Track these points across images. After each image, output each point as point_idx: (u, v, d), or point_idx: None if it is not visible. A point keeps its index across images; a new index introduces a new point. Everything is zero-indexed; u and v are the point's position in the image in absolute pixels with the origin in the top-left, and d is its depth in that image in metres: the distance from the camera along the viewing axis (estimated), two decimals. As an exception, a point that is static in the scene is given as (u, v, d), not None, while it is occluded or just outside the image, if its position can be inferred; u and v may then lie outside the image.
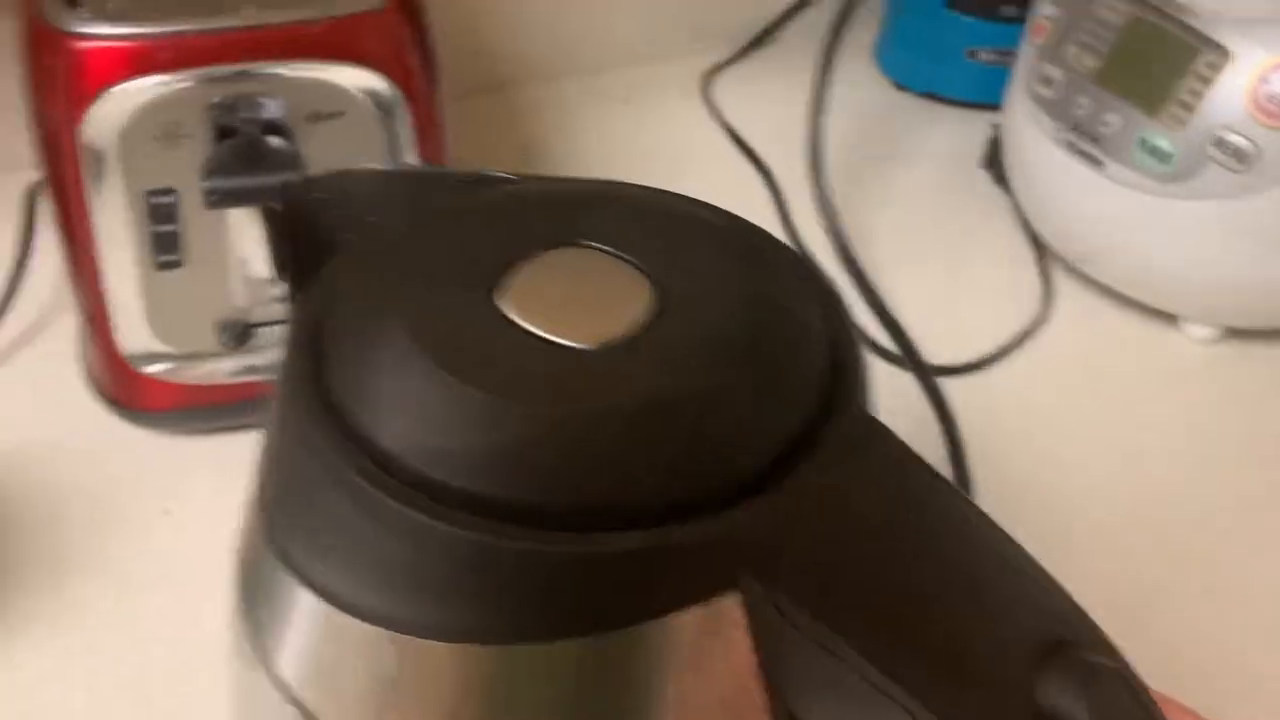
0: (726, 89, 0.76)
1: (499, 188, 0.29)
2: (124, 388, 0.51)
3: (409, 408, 0.23)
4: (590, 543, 0.22)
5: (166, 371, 0.50)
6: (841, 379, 0.25)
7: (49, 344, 0.57)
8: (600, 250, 0.26)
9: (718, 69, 0.77)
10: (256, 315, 0.50)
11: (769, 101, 0.74)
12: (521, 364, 0.23)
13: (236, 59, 0.44)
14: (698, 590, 0.23)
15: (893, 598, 0.23)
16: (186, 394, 0.51)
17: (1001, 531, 0.25)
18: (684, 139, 0.73)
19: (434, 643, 0.23)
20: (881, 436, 0.24)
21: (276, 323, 0.50)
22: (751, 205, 0.64)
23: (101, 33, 0.44)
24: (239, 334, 0.50)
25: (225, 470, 0.51)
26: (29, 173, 0.61)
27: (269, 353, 0.51)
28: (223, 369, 0.51)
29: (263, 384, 0.50)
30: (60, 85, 0.44)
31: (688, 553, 0.22)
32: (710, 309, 0.25)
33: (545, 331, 0.24)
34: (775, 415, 0.24)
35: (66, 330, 0.57)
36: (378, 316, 0.24)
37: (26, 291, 0.58)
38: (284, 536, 0.25)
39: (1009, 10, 0.69)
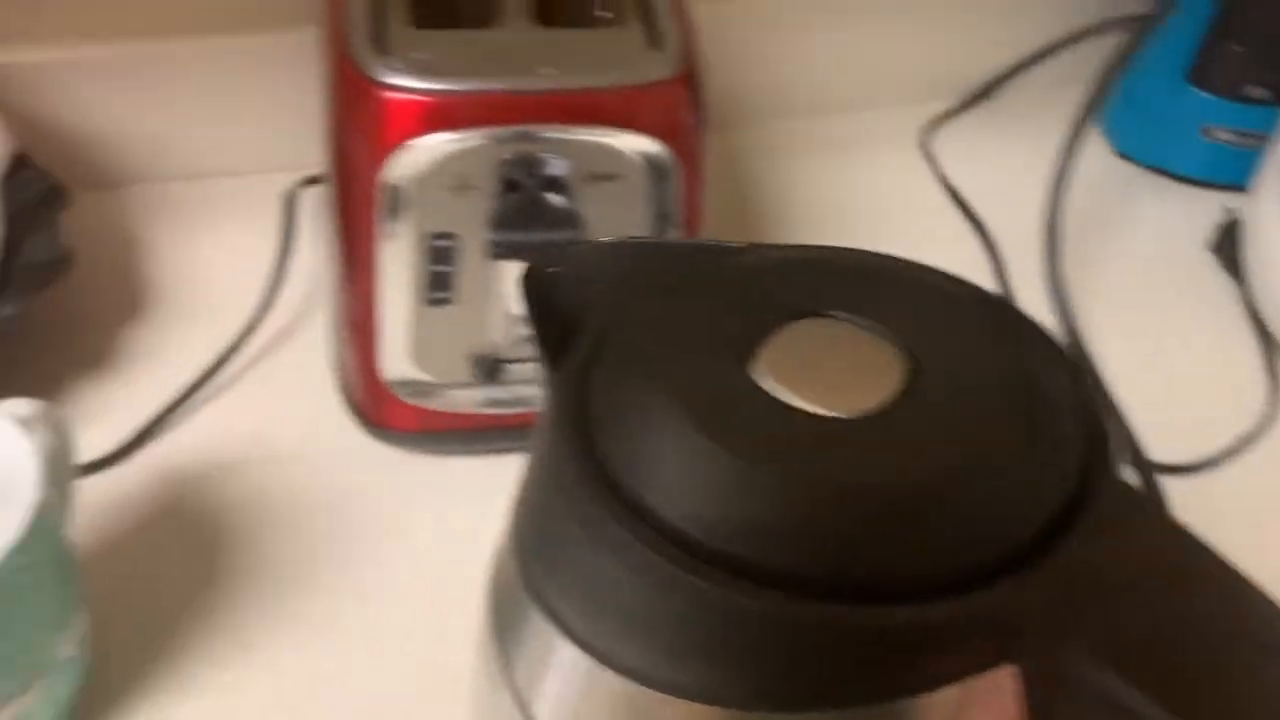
0: (944, 143, 0.76)
1: (729, 259, 0.30)
2: (375, 407, 0.54)
3: (674, 470, 0.24)
4: (856, 615, 0.22)
5: (418, 397, 0.53)
6: (1095, 451, 0.25)
7: (298, 350, 0.60)
8: (849, 320, 0.26)
9: (937, 122, 0.77)
10: (508, 352, 0.52)
11: (987, 158, 0.74)
12: (781, 433, 0.24)
13: (531, 120, 0.46)
14: (963, 665, 0.23)
15: (1186, 661, 0.24)
16: (432, 418, 0.54)
17: (1264, 594, 0.25)
18: (899, 191, 0.73)
19: (680, 701, 0.24)
20: (1142, 506, 0.25)
21: (525, 360, 0.53)
22: (966, 264, 0.64)
23: (410, 86, 0.46)
24: (490, 368, 0.52)
25: (457, 492, 0.55)
26: (285, 175, 0.66)
27: (514, 387, 0.53)
28: (470, 398, 0.53)
29: (505, 415, 0.53)
30: (367, 130, 0.47)
31: (958, 628, 0.23)
32: (966, 380, 0.25)
33: (801, 401, 0.24)
34: (1040, 488, 0.24)
35: (315, 338, 0.60)
36: (643, 382, 0.25)
37: (281, 295, 0.61)
38: (540, 582, 0.27)
39: (1256, 91, 0.68)
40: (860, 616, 0.22)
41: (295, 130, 0.67)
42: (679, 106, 0.48)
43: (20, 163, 0.57)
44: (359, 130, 0.48)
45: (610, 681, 0.25)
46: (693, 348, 0.26)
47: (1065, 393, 0.26)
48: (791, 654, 0.23)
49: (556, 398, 0.26)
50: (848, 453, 0.24)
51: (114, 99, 0.66)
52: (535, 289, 0.28)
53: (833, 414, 0.24)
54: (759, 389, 0.25)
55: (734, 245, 0.31)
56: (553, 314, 0.28)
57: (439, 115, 0.46)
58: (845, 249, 0.30)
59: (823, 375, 0.25)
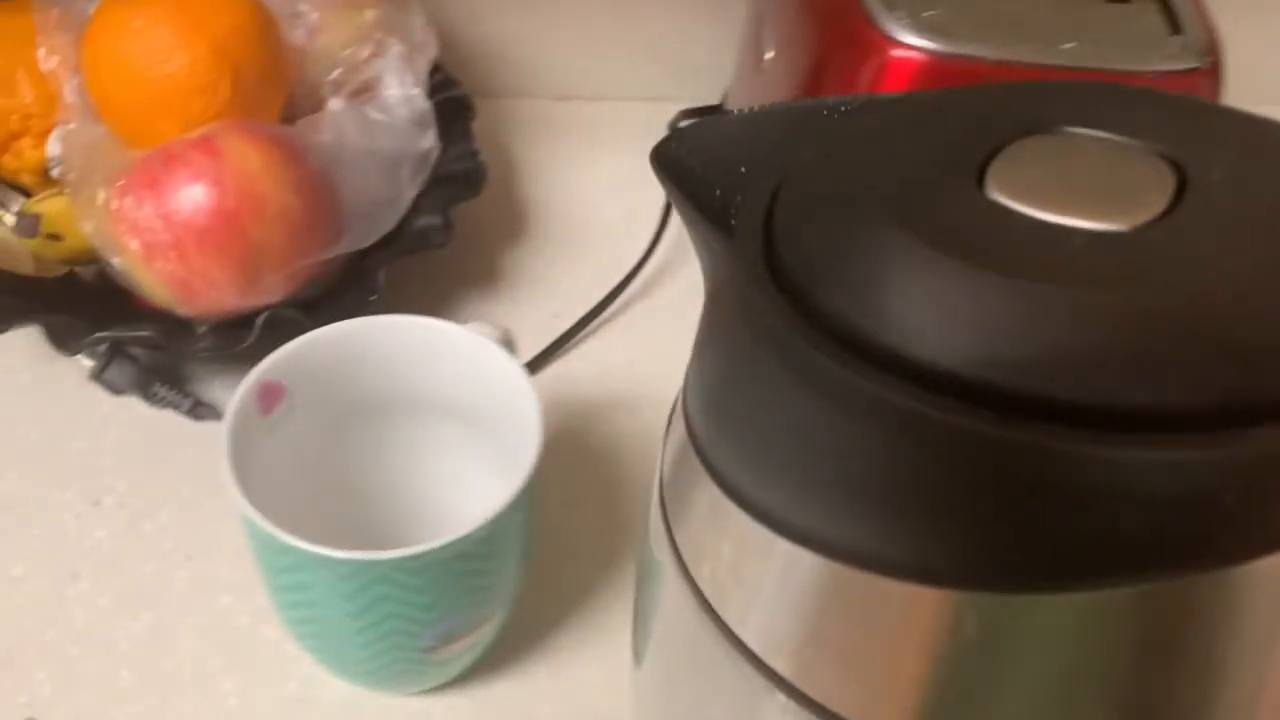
0: None
1: (892, 108, 0.25)
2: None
3: (926, 303, 0.20)
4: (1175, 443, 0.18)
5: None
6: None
7: (685, 290, 0.59)
8: (1090, 134, 0.22)
9: None
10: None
11: None
12: (1050, 250, 0.19)
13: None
14: None
15: None
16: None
17: None
18: None
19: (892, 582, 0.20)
20: None
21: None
22: None
23: (912, 43, 0.43)
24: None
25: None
26: (670, 105, 0.64)
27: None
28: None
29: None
30: (855, 81, 0.44)
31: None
32: (1245, 189, 0.20)
33: (1057, 216, 0.20)
34: None
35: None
36: (859, 216, 0.21)
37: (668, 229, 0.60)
38: (713, 447, 0.23)
39: None
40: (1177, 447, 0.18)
41: (687, 62, 0.66)
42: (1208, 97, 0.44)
43: (434, 69, 0.56)
44: (845, 80, 0.45)
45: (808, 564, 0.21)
46: (901, 178, 0.22)
47: None
48: (1053, 506, 0.18)
49: (739, 256, 0.22)
50: (1133, 267, 0.19)
51: (511, 9, 0.65)
52: (670, 170, 0.25)
53: (1101, 226, 0.20)
54: (1004, 208, 0.20)
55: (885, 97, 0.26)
56: (698, 186, 0.25)
57: (928, 75, 0.43)
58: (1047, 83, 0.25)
59: (1073, 189, 0.21)
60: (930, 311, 0.19)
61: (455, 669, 0.41)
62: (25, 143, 0.51)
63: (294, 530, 0.34)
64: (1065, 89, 0.24)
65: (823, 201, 0.22)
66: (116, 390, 0.51)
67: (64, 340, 0.47)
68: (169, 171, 0.44)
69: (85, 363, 0.50)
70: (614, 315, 0.57)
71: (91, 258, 0.47)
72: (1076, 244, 0.20)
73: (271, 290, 0.46)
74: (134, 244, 0.44)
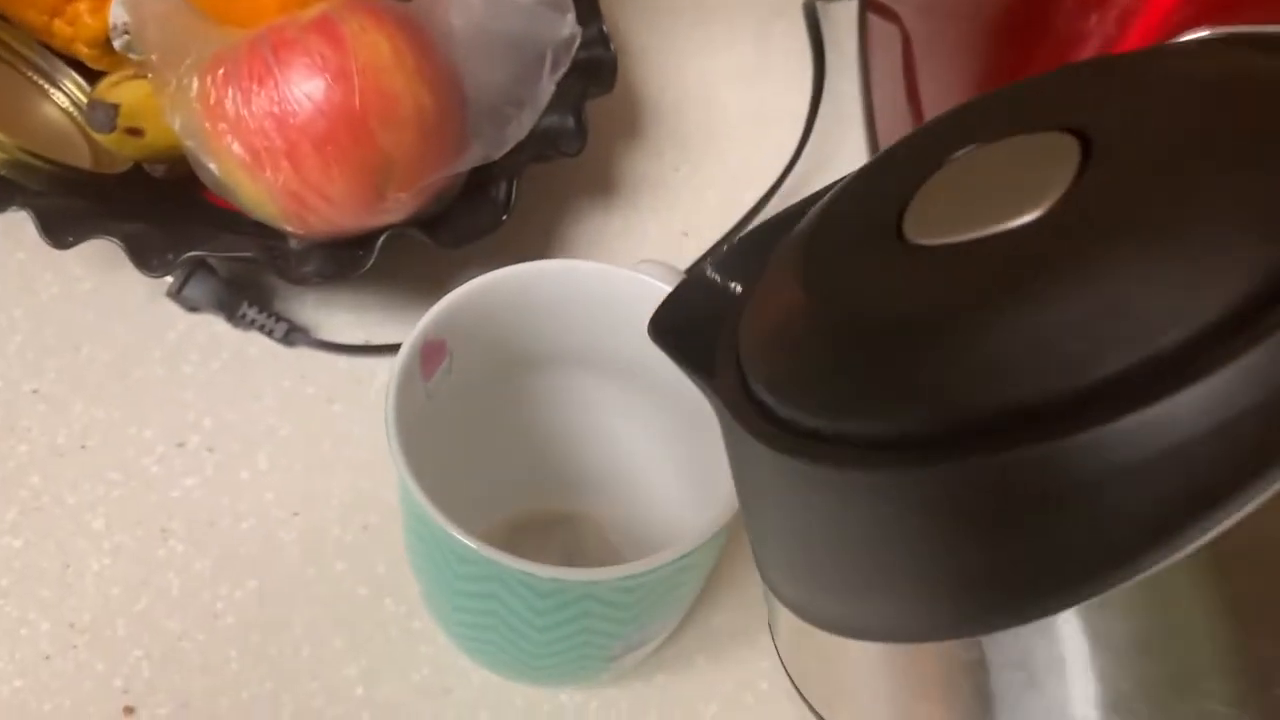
0: None
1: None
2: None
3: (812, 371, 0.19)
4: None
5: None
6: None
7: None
8: (1005, 141, 0.20)
9: None
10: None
11: None
12: (957, 273, 0.18)
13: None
14: None
15: None
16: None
17: None
18: None
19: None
20: None
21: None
22: None
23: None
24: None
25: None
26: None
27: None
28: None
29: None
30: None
31: None
32: (1142, 127, 0.18)
33: (958, 234, 0.18)
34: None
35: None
36: (785, 305, 0.21)
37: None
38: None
39: None
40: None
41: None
42: None
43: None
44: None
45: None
46: (823, 265, 0.21)
47: None
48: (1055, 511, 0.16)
49: (721, 401, 0.22)
50: (1043, 253, 0.17)
51: None
52: (668, 339, 0.25)
53: (1014, 224, 0.18)
54: (923, 248, 0.19)
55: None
56: (696, 346, 0.24)
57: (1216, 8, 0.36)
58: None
59: (985, 200, 0.19)
60: (875, 383, 0.18)
61: (629, 668, 0.36)
62: (82, 6, 0.42)
63: (452, 502, 0.28)
64: (969, 108, 0.23)
65: (765, 314, 0.22)
66: (196, 309, 0.44)
67: (146, 258, 0.39)
68: (282, 60, 0.36)
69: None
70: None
71: (175, 159, 0.39)
72: (991, 252, 0.18)
73: (397, 208, 0.39)
74: (237, 148, 0.37)
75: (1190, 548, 0.15)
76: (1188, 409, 0.15)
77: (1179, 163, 0.17)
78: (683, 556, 0.28)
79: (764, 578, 0.22)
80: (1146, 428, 0.15)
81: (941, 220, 0.19)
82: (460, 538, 0.28)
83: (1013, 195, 0.18)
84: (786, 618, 0.22)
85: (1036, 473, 0.16)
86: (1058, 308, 0.16)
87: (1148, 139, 0.18)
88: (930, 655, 0.20)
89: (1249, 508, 0.15)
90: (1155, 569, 0.15)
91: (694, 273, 0.26)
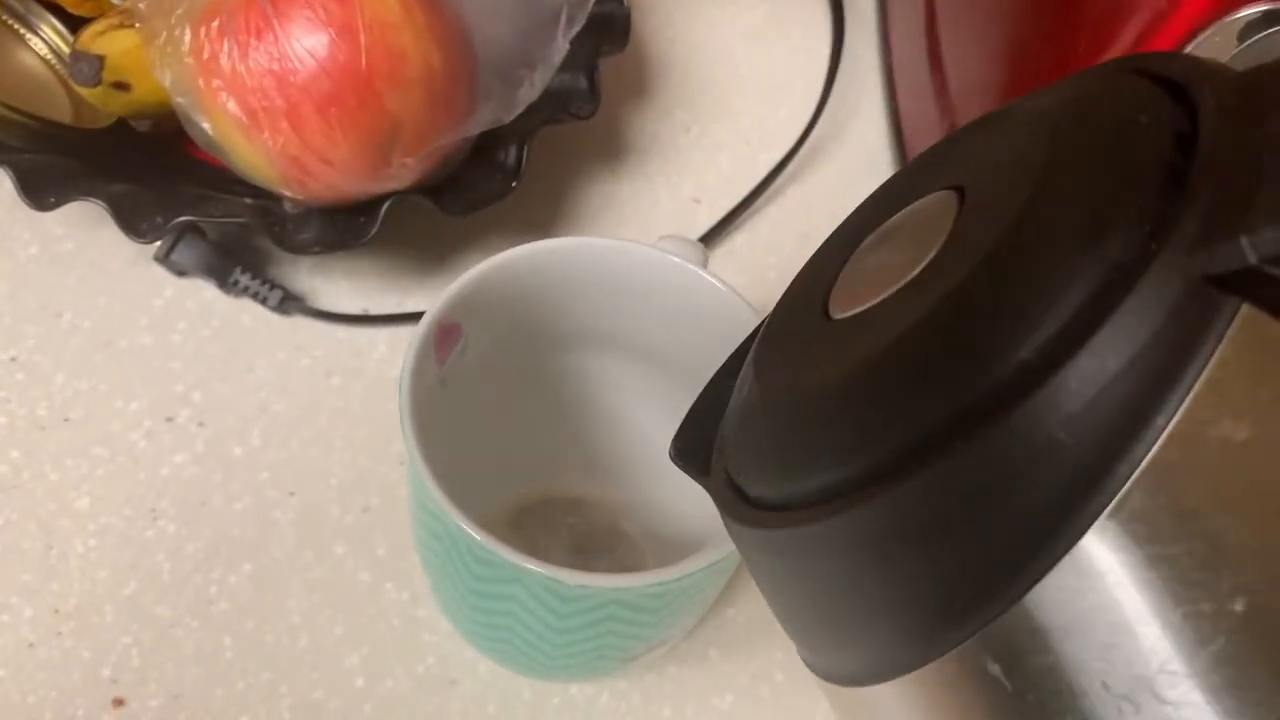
0: None
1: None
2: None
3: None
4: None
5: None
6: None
7: (833, 175, 0.50)
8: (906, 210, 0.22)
9: None
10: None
11: None
12: (859, 334, 0.20)
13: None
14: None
15: None
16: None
17: None
18: None
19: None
20: None
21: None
22: None
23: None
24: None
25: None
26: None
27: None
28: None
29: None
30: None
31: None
32: (999, 169, 0.20)
33: (874, 299, 0.20)
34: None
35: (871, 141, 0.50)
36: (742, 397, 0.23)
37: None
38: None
39: None
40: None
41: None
42: None
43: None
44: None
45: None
46: (766, 356, 0.23)
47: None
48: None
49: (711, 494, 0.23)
50: (920, 295, 0.19)
51: None
52: (690, 464, 0.25)
53: (905, 280, 0.20)
54: (840, 321, 0.21)
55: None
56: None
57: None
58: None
59: (888, 266, 0.21)
60: (804, 446, 0.20)
61: (644, 664, 0.34)
62: (62, -53, 0.39)
63: (460, 485, 0.26)
64: (886, 185, 0.24)
65: (735, 404, 0.23)
66: (185, 273, 0.41)
67: (134, 222, 0.37)
68: (283, 13, 0.34)
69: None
70: (766, 203, 0.49)
71: (163, 115, 0.37)
72: (885, 310, 0.20)
73: (403, 173, 0.36)
74: (233, 107, 0.34)
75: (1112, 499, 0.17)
76: (1062, 389, 0.17)
77: (1021, 195, 0.19)
78: (716, 562, 0.27)
79: (798, 653, 0.23)
80: (1033, 412, 0.17)
81: (854, 293, 0.21)
82: (481, 539, 0.26)
83: (908, 256, 0.20)
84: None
85: (956, 478, 0.17)
86: (933, 339, 0.18)
87: (1001, 179, 0.20)
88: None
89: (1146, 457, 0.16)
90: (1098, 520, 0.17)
91: (708, 388, 0.26)
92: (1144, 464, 0.16)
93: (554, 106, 0.42)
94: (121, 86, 0.36)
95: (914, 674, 0.19)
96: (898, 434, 0.18)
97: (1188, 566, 0.17)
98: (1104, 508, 0.16)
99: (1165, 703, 0.17)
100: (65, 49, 0.40)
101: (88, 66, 0.35)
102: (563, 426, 0.36)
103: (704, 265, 0.34)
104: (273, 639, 0.36)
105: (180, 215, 0.38)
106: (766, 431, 0.21)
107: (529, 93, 0.39)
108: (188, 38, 0.34)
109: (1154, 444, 0.16)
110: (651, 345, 0.34)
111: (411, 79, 0.35)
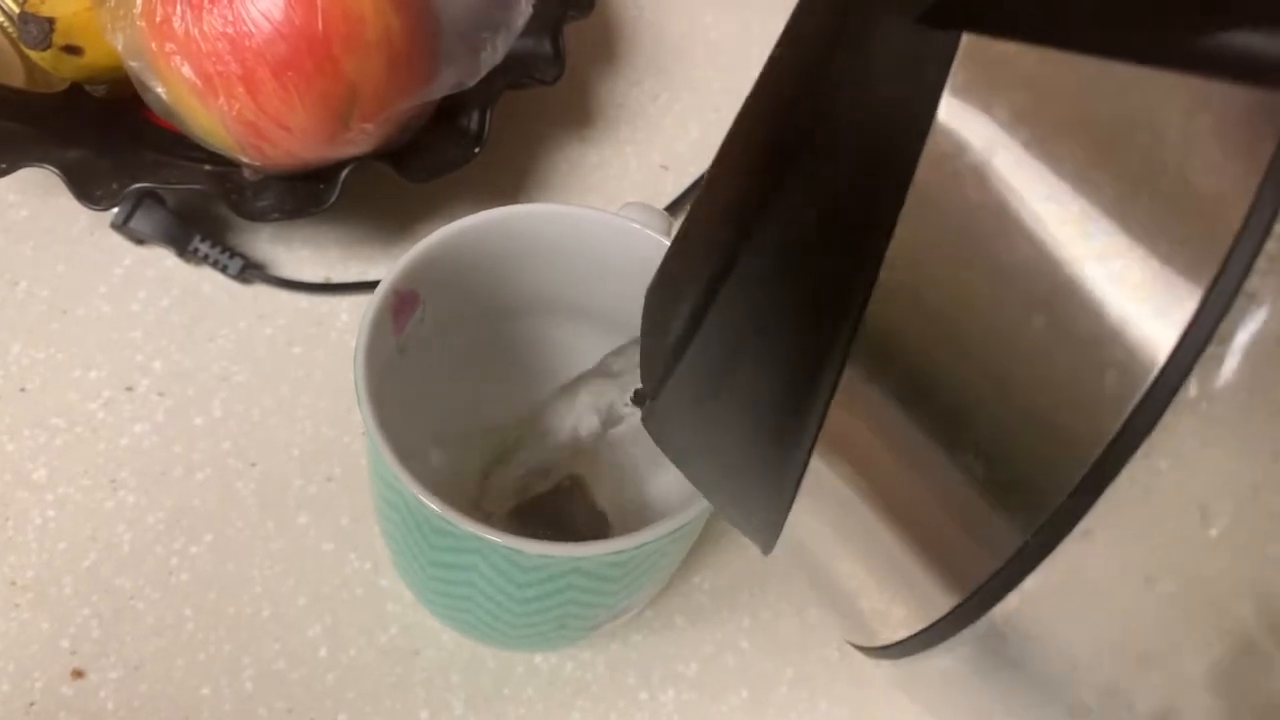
0: None
1: None
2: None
3: None
4: None
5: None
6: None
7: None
8: None
9: None
10: None
11: None
12: None
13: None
14: None
15: None
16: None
17: None
18: None
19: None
20: None
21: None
22: None
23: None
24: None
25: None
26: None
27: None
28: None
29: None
30: None
31: None
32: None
33: None
34: None
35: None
36: None
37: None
38: None
39: None
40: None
41: None
42: None
43: None
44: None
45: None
46: None
47: None
48: None
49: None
50: None
51: None
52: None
53: None
54: None
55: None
56: None
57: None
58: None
59: None
60: None
61: (608, 632, 0.34)
62: (11, -93, 0.38)
63: (425, 465, 0.26)
64: None
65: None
66: (144, 241, 0.41)
67: (88, 189, 0.36)
68: (237, -24, 0.33)
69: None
70: (734, 171, 0.48)
71: (118, 79, 0.36)
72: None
73: (362, 139, 0.36)
74: (187, 72, 0.34)
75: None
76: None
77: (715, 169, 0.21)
78: (677, 529, 0.26)
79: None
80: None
81: None
82: (438, 509, 0.26)
83: None
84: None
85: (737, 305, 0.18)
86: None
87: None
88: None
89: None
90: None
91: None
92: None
93: (518, 71, 0.41)
94: (73, 50, 0.36)
95: (795, 509, 0.19)
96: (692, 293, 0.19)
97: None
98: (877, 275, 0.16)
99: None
100: (15, 11, 0.40)
101: (37, 29, 0.34)
102: (524, 395, 0.36)
103: (668, 233, 0.34)
104: (234, 610, 0.35)
105: (136, 182, 0.37)
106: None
107: (491, 57, 0.38)
108: (139, 0, 0.34)
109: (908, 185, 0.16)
110: (613, 314, 0.34)
111: (370, 43, 0.34)
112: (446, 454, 0.34)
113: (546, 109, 0.48)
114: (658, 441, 0.23)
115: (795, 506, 0.19)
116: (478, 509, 0.35)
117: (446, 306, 0.31)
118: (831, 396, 0.17)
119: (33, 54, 0.36)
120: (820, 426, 0.17)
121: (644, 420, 0.23)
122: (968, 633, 0.17)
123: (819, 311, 0.17)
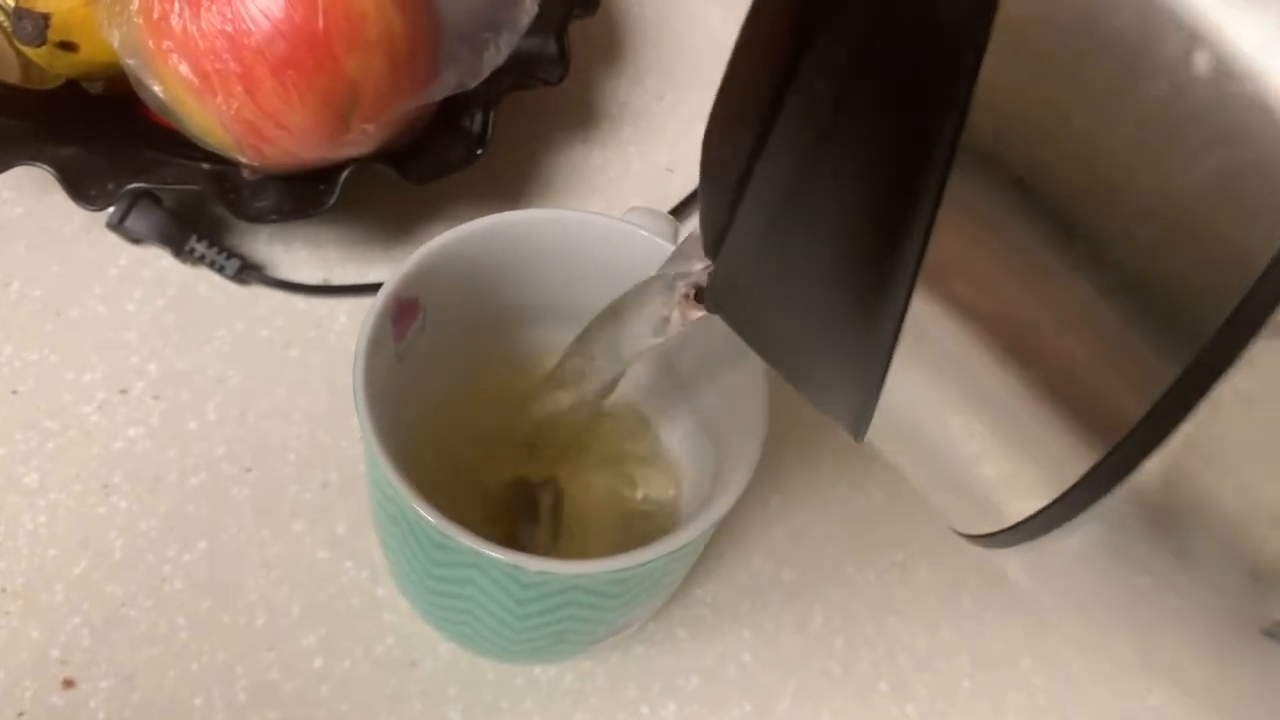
0: None
1: None
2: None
3: None
4: None
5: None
6: None
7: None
8: None
9: None
10: None
11: None
12: None
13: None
14: None
15: None
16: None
17: None
18: None
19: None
20: None
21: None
22: None
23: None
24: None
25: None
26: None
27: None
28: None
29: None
30: None
31: None
32: None
33: None
34: None
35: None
36: None
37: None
38: None
39: None
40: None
41: None
42: None
43: None
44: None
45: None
46: None
47: None
48: None
49: None
50: None
51: None
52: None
53: None
54: None
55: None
56: None
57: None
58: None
59: None
60: None
61: (609, 644, 0.34)
62: (7, -101, 0.37)
63: (424, 470, 0.26)
64: None
65: None
66: (139, 241, 0.40)
67: (83, 188, 0.36)
68: (235, -27, 0.32)
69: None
70: (740, 174, 0.47)
71: (114, 75, 0.35)
72: None
73: (363, 140, 0.35)
74: (184, 70, 0.33)
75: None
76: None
77: None
78: (679, 548, 0.26)
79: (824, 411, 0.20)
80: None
81: None
82: (436, 523, 0.25)
83: None
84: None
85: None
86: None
87: None
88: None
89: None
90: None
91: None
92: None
93: (522, 71, 0.41)
94: (68, 46, 0.35)
95: (896, 362, 0.16)
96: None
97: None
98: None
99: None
100: (9, 6, 0.39)
101: (31, 25, 0.34)
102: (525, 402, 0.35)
103: (673, 239, 0.33)
104: (228, 618, 0.35)
105: (132, 181, 0.37)
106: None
107: (494, 57, 0.38)
108: (136, -4, 0.33)
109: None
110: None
111: (371, 42, 0.34)
112: (445, 461, 0.34)
113: (550, 109, 0.47)
114: (727, 315, 0.20)
115: (895, 358, 0.16)
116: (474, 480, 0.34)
117: (448, 313, 0.31)
118: (935, 210, 0.14)
119: (27, 50, 0.35)
120: (923, 250, 0.15)
121: (708, 295, 0.21)
122: (1114, 495, 0.14)
123: (914, 101, 0.14)
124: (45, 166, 0.35)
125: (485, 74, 0.37)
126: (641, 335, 0.29)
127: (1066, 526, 0.15)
